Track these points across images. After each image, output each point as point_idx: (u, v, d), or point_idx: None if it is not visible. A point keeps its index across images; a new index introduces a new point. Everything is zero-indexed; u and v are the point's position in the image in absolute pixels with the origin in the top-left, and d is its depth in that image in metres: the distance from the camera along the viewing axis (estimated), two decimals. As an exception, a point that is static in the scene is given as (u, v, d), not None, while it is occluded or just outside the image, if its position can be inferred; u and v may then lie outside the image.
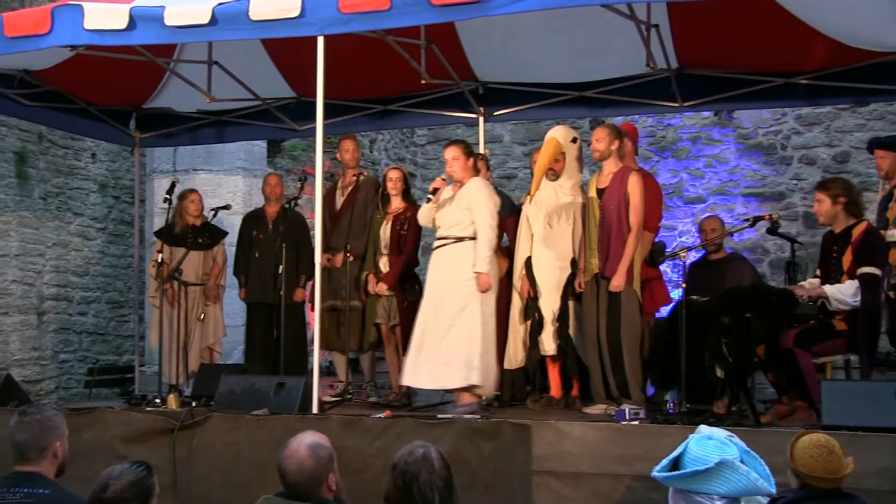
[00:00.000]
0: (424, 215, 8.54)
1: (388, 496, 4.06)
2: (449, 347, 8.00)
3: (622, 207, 8.01)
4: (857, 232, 7.47)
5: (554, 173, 8.64)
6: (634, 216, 7.99)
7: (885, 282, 8.16)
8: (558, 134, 8.72)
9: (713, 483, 4.41)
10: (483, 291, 8.05)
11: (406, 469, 4.02)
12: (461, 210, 8.21)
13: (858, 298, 7.27)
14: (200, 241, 10.29)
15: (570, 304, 8.50)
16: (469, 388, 8.14)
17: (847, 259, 7.45)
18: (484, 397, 8.58)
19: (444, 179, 8.54)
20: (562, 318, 8.50)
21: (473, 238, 8.15)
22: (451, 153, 8.36)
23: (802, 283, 7.94)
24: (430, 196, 8.49)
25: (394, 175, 9.69)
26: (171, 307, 10.04)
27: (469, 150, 8.45)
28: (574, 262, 8.47)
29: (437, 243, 8.33)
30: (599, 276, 8.08)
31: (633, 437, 6.74)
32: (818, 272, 7.82)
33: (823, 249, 7.82)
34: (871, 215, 8.76)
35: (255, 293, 10.25)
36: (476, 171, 8.55)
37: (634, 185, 8.03)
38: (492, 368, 8.16)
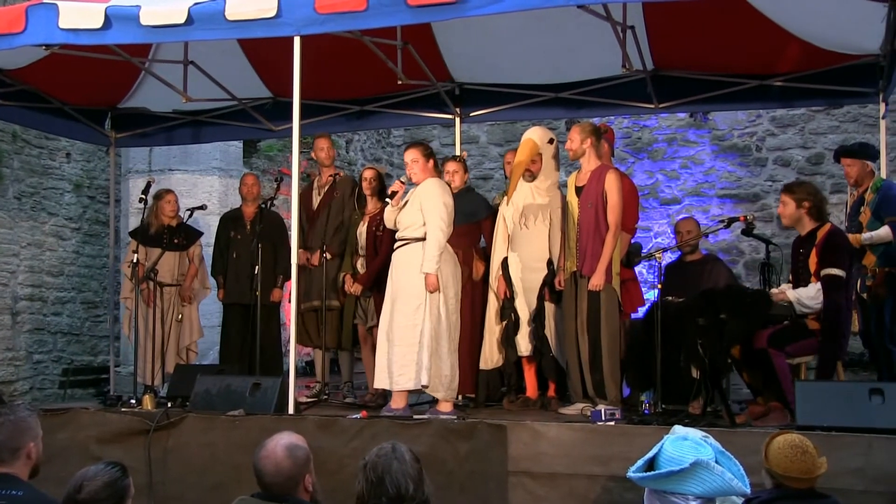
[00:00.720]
0: (388, 218, 8.49)
1: (361, 495, 4.07)
2: (402, 348, 8.00)
3: (599, 205, 8.01)
4: (821, 234, 7.52)
5: (530, 174, 8.66)
6: (612, 215, 7.99)
7: (859, 283, 8.23)
8: (535, 135, 8.74)
9: (688, 483, 4.42)
10: (431, 292, 7.97)
11: (377, 462, 4.06)
12: (416, 211, 8.17)
13: (821, 299, 7.32)
14: (176, 241, 10.25)
15: (547, 304, 8.52)
16: (422, 391, 8.18)
17: (813, 261, 7.49)
18: (460, 397, 8.61)
19: (403, 182, 8.50)
20: (538, 318, 8.52)
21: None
22: (410, 156, 8.32)
23: (772, 291, 7.99)
24: (387, 199, 8.47)
25: (368, 175, 9.70)
26: (147, 307, 10.00)
27: (428, 153, 8.39)
28: (550, 263, 8.49)
29: (396, 244, 8.32)
30: (577, 274, 8.09)
31: (608, 438, 6.76)
32: (791, 277, 7.87)
33: (792, 253, 7.88)
34: (841, 216, 8.81)
35: (233, 294, 10.22)
36: (437, 173, 8.53)
37: (612, 184, 8.03)
38: (447, 369, 8.06)
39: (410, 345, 7.95)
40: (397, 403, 8.03)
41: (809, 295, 7.37)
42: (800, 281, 7.65)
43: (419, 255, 8.04)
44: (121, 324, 11.62)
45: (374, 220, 9.39)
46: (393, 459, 4.06)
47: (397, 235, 8.29)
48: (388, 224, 8.51)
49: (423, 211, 8.12)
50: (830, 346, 7.40)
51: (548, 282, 8.48)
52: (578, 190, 8.20)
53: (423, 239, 8.07)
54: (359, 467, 4.15)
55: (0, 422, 4.68)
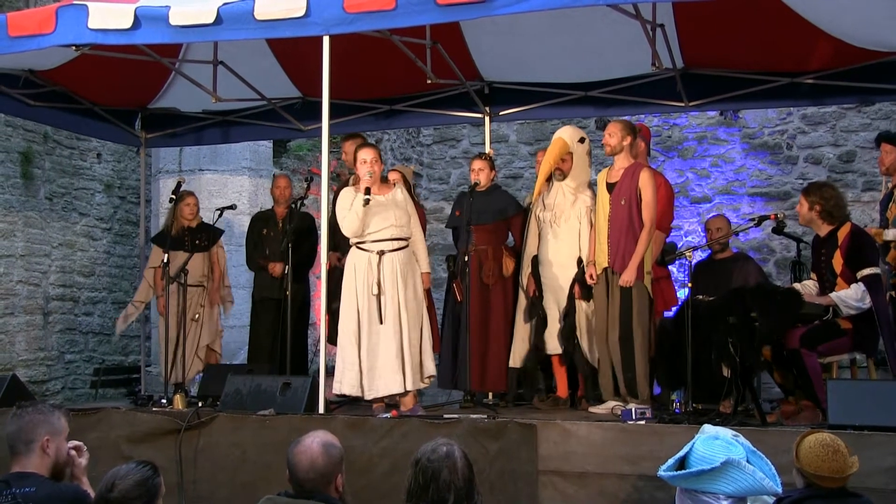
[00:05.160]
0: (361, 214, 8.13)
1: (409, 490, 4.09)
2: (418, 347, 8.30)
3: (633, 203, 8.00)
4: (842, 234, 7.51)
5: (561, 173, 8.65)
6: (647, 212, 7.98)
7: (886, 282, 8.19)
8: (565, 134, 8.73)
9: (719, 482, 4.41)
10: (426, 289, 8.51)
11: (428, 466, 4.07)
12: (405, 213, 8.40)
13: (867, 301, 7.27)
14: (198, 242, 10.27)
15: (578, 303, 8.50)
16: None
17: (838, 262, 7.48)
18: (490, 395, 8.69)
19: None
20: (568, 317, 8.50)
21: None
22: (372, 154, 8.22)
23: (796, 285, 7.95)
24: (367, 197, 8.08)
25: (393, 177, 9.64)
26: (161, 313, 10.05)
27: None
28: (581, 261, 8.47)
29: (395, 245, 8.24)
30: (609, 270, 8.08)
31: (639, 437, 6.74)
32: (813, 276, 7.83)
33: (813, 253, 7.85)
34: (874, 214, 8.75)
35: (263, 289, 10.29)
36: None
37: (646, 182, 8.02)
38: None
39: (419, 342, 8.27)
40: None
41: (855, 297, 7.30)
42: (823, 281, 7.63)
43: (412, 254, 8.37)
44: (151, 324, 11.68)
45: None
46: (444, 467, 4.07)
47: (396, 234, 8.26)
48: (358, 223, 8.16)
49: (411, 214, 8.42)
50: (892, 342, 7.39)
51: (578, 279, 8.47)
52: (610, 186, 8.18)
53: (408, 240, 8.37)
54: (411, 460, 4.17)
55: (18, 414, 4.74)
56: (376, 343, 8.00)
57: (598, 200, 8.32)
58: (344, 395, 8.18)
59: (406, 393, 8.06)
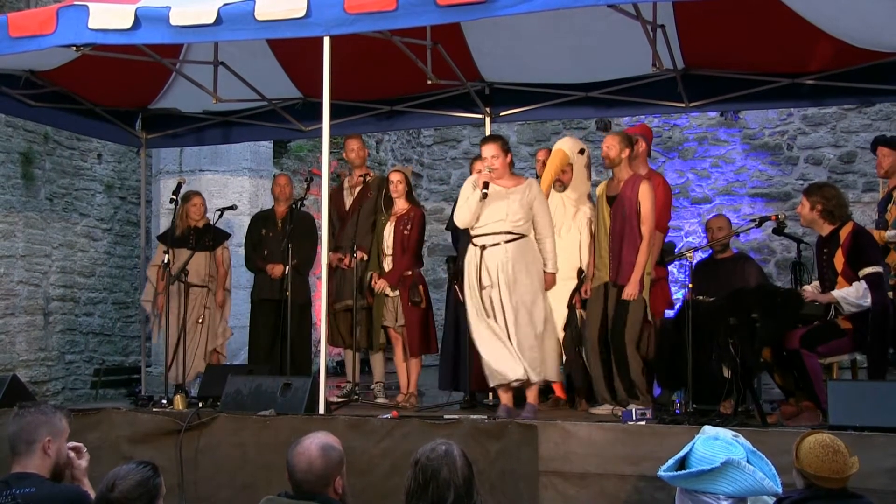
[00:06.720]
0: (473, 210, 7.98)
1: (408, 491, 4.09)
2: (529, 341, 7.92)
3: (633, 215, 8.02)
4: (844, 234, 7.50)
5: (561, 184, 8.67)
6: (646, 225, 8.02)
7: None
8: (565, 145, 8.76)
9: (719, 483, 4.41)
10: (547, 290, 8.06)
11: (427, 465, 4.07)
12: (521, 208, 7.95)
13: (868, 299, 7.26)
14: (203, 242, 10.26)
15: (578, 312, 8.50)
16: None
17: (839, 261, 7.47)
18: (491, 396, 8.67)
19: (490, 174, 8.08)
20: (568, 327, 8.50)
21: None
22: (493, 150, 8.03)
23: (804, 287, 7.95)
24: (484, 191, 7.89)
25: (395, 178, 9.68)
26: (160, 313, 10.05)
27: (507, 147, 8.24)
28: (581, 272, 8.48)
29: (502, 237, 7.95)
30: (610, 284, 8.10)
31: (639, 438, 6.73)
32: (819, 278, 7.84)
33: (816, 254, 7.85)
34: (874, 215, 8.75)
35: (263, 291, 10.28)
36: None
37: (645, 195, 8.04)
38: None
39: (537, 337, 7.93)
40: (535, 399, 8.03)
41: (857, 294, 7.30)
42: (825, 281, 7.62)
43: (532, 251, 8.02)
44: (150, 325, 11.68)
45: (402, 219, 9.40)
46: (443, 465, 4.08)
47: (505, 228, 7.97)
48: (469, 215, 8.03)
49: (535, 212, 8.04)
50: (881, 343, 7.37)
51: (578, 290, 8.49)
52: (610, 199, 8.20)
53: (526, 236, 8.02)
54: (410, 461, 4.18)
55: (20, 414, 4.75)
56: (482, 337, 7.90)
57: (599, 213, 8.35)
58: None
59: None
